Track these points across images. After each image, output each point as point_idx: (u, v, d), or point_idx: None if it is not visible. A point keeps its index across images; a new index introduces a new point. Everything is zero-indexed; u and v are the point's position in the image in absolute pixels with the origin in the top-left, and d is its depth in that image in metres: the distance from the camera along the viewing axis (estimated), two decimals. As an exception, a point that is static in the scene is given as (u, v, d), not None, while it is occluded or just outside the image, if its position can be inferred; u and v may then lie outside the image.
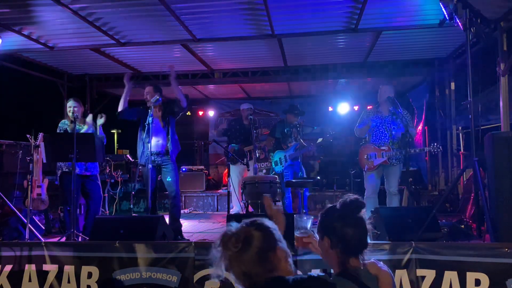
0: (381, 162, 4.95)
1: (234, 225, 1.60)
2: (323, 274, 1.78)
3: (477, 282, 2.82)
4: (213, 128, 11.26)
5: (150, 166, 4.72)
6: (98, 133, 5.00)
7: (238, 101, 10.83)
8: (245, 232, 1.56)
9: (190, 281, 3.19)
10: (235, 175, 6.72)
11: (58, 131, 5.02)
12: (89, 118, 5.11)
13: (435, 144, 4.96)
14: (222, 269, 1.55)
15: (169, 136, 5.05)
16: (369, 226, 1.81)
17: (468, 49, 3.80)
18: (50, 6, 4.90)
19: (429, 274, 2.91)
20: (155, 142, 4.93)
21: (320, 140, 6.44)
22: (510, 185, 3.51)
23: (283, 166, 6.17)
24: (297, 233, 2.09)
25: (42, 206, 5.40)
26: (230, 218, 3.99)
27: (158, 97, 4.87)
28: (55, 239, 4.65)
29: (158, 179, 5.19)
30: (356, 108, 10.12)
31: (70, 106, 4.97)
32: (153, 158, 4.91)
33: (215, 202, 8.25)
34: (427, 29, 5.87)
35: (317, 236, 1.93)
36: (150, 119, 4.73)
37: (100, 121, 5.06)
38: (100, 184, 5.22)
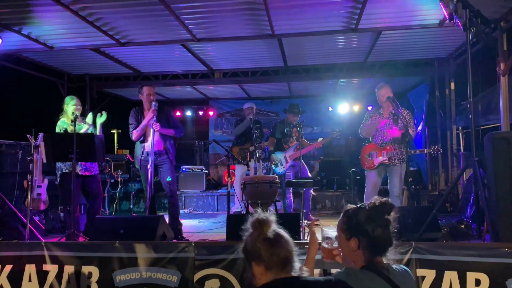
0: (381, 161, 4.96)
1: None
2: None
3: (477, 282, 2.82)
4: (213, 128, 11.28)
5: (149, 166, 4.72)
6: (98, 133, 4.99)
7: (238, 101, 10.85)
8: None
9: (190, 281, 3.19)
10: (239, 175, 6.75)
11: (57, 131, 5.02)
12: (89, 118, 5.11)
13: (436, 146, 4.96)
14: None
15: (166, 136, 5.05)
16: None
17: (468, 49, 3.80)
18: (50, 6, 4.90)
19: (429, 274, 2.91)
20: (154, 143, 4.93)
21: (327, 138, 6.40)
22: (510, 185, 3.51)
23: (283, 167, 6.16)
24: (324, 245, 2.05)
25: (42, 206, 5.40)
26: (230, 218, 4.00)
27: (157, 103, 4.93)
28: (55, 239, 4.65)
29: (156, 179, 5.20)
30: (356, 108, 10.11)
31: (75, 105, 4.99)
32: (153, 158, 4.92)
33: (215, 202, 8.25)
34: (427, 29, 5.86)
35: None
36: (154, 119, 4.79)
37: (101, 118, 5.01)
38: (100, 183, 5.23)
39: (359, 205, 1.85)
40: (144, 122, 4.91)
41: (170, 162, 5.04)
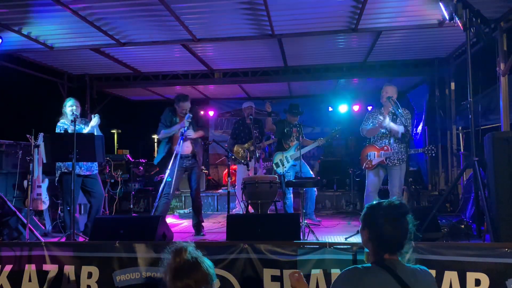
0: (379, 161, 4.99)
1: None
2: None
3: (477, 282, 2.81)
4: (213, 128, 11.28)
5: (178, 169, 5.01)
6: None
7: (238, 101, 10.84)
8: None
9: (190, 281, 3.19)
10: (240, 176, 6.77)
11: (57, 131, 5.02)
12: (95, 120, 5.03)
13: (430, 146, 4.98)
14: None
15: (197, 140, 5.40)
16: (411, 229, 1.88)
17: (468, 49, 3.80)
18: (50, 6, 4.90)
19: (429, 274, 2.91)
20: (184, 148, 5.20)
21: (326, 137, 6.38)
22: (510, 185, 3.52)
23: (285, 167, 6.16)
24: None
25: (42, 206, 5.40)
26: (230, 218, 3.99)
27: (191, 114, 5.23)
28: (55, 239, 4.65)
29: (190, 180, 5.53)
30: (356, 108, 10.11)
31: (72, 105, 5.00)
32: (183, 161, 5.19)
33: (215, 202, 8.25)
34: (427, 29, 5.86)
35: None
36: (183, 129, 5.11)
37: (93, 121, 4.97)
38: (101, 182, 5.24)
39: (382, 200, 1.94)
40: (175, 128, 5.25)
41: (198, 166, 5.38)
